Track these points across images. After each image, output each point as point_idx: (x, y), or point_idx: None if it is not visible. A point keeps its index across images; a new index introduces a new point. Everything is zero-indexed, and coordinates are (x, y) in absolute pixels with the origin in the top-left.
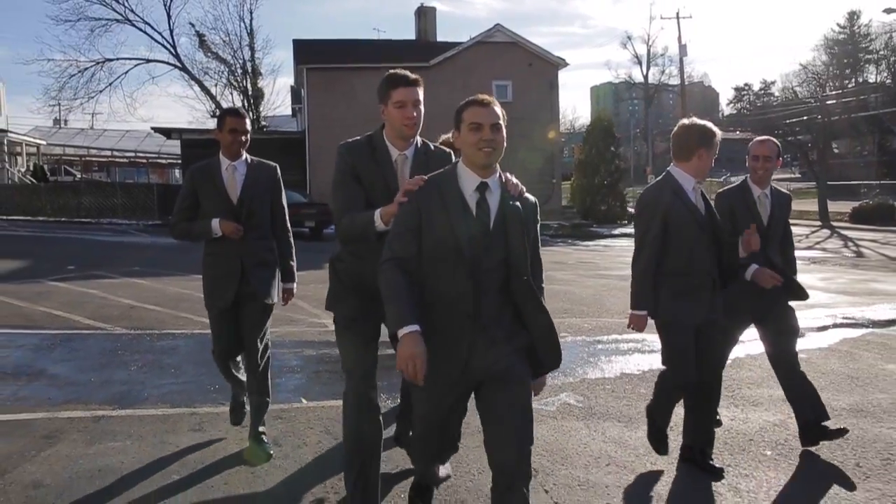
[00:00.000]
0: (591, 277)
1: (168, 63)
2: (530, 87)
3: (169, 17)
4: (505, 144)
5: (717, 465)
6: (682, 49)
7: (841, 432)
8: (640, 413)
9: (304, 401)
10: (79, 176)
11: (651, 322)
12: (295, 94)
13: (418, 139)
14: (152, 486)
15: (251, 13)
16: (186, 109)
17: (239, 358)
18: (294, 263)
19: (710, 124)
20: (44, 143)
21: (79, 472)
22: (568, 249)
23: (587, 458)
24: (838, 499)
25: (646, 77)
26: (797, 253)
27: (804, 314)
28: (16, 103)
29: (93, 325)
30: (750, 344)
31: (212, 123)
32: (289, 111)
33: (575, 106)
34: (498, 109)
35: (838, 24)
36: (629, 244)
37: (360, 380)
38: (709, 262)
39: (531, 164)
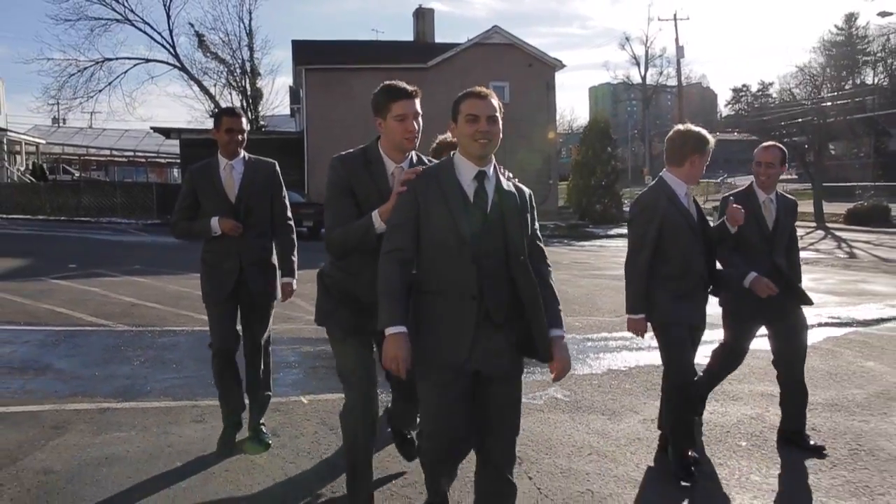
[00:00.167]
0: (584, 277)
1: (167, 63)
2: (527, 89)
3: (168, 17)
4: (501, 136)
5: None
6: (680, 51)
7: (818, 449)
8: (623, 406)
9: (304, 400)
10: (77, 175)
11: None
12: (293, 94)
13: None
14: (157, 473)
15: (250, 13)
16: (185, 109)
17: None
18: (295, 259)
19: (703, 131)
20: (43, 142)
21: (87, 460)
22: (563, 249)
23: (570, 447)
24: (804, 485)
25: (644, 78)
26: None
27: None
28: (15, 102)
29: (95, 321)
30: None
31: (210, 123)
32: (287, 111)
33: (573, 106)
34: (495, 102)
35: (836, 26)
36: (623, 244)
37: (362, 380)
38: (702, 265)
39: (528, 165)
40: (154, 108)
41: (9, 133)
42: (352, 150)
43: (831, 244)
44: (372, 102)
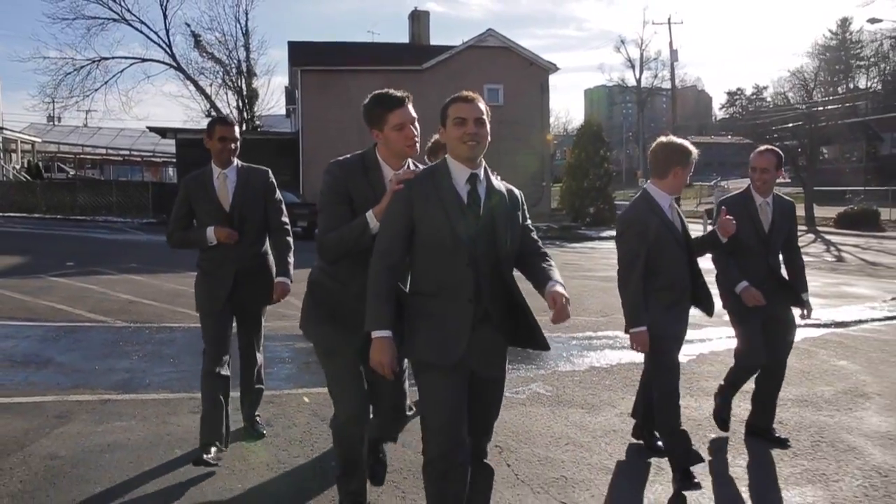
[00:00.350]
0: (574, 278)
1: (163, 62)
2: (522, 91)
3: (165, 16)
4: (489, 139)
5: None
6: (674, 54)
7: (782, 441)
8: (602, 401)
9: (306, 399)
10: (72, 173)
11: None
12: (289, 94)
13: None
14: (158, 459)
15: (247, 14)
16: (181, 108)
17: (227, 372)
18: (292, 261)
19: (686, 143)
20: (38, 140)
21: (90, 447)
22: (554, 251)
23: (549, 438)
24: (765, 473)
25: (638, 81)
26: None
27: None
28: (11, 100)
29: (94, 318)
30: (712, 343)
31: (206, 123)
32: (283, 111)
33: (568, 109)
34: (482, 105)
35: (830, 31)
36: (615, 246)
37: (353, 399)
38: (687, 276)
39: (522, 167)
40: (150, 107)
41: (4, 131)
42: (349, 156)
43: (821, 247)
44: (364, 115)
